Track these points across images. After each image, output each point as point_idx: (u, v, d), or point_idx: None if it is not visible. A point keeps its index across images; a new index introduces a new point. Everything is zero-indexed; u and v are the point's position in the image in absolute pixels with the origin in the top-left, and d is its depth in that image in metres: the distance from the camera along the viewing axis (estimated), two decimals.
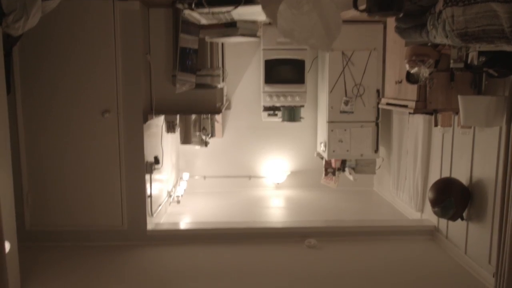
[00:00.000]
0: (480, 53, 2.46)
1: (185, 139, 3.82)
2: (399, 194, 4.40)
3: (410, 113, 3.32)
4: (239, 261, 3.27)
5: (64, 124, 3.44)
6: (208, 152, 5.10)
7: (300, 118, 4.78)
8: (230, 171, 5.16)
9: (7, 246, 2.47)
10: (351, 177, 4.69)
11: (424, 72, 2.77)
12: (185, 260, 3.30)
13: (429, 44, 2.75)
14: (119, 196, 3.52)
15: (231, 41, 3.08)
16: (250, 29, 3.25)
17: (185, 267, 3.18)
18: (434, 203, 3.20)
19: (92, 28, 3.34)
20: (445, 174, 3.48)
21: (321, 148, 4.75)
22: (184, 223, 3.95)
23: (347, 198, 4.89)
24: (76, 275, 3.02)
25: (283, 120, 4.77)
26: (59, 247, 3.48)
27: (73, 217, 3.53)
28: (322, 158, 4.84)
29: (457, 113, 3.19)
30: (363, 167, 4.66)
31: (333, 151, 4.49)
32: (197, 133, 3.99)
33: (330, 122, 4.44)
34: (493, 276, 2.71)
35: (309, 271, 3.10)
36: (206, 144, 4.10)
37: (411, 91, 3.23)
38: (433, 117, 3.31)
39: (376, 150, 4.51)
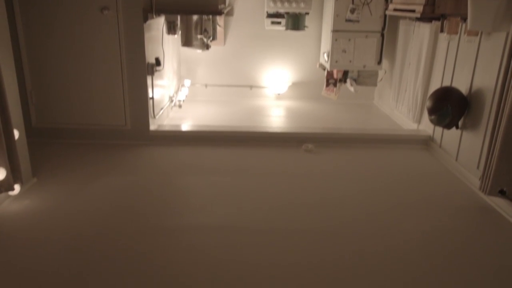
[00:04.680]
0: None
1: (186, 41, 3.76)
2: (398, 107, 4.44)
3: (417, 18, 3.24)
4: (238, 161, 3.42)
5: (62, 20, 3.36)
6: (209, 60, 5.06)
7: (304, 26, 4.66)
8: (231, 80, 5.15)
9: (16, 133, 2.58)
10: (352, 89, 4.70)
11: None
12: (186, 158, 3.44)
13: None
14: (122, 96, 3.56)
15: None
16: None
17: (187, 164, 3.33)
18: (432, 110, 3.26)
19: None
20: (446, 84, 3.49)
21: (323, 58, 4.69)
22: (186, 125, 4.05)
23: (347, 109, 4.95)
24: (83, 167, 3.18)
25: (287, 28, 4.65)
26: (65, 143, 3.61)
27: (77, 116, 3.61)
28: (324, 69, 4.81)
29: (465, 19, 3.11)
30: (365, 78, 4.65)
31: (336, 61, 4.45)
32: (198, 36, 3.91)
33: (334, 31, 4.34)
34: (479, 179, 2.85)
35: (304, 171, 3.25)
36: (207, 47, 4.04)
37: None
38: (439, 23, 3.24)
39: (379, 62, 4.47)
